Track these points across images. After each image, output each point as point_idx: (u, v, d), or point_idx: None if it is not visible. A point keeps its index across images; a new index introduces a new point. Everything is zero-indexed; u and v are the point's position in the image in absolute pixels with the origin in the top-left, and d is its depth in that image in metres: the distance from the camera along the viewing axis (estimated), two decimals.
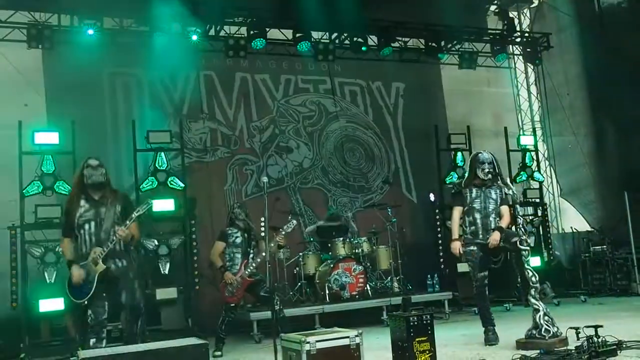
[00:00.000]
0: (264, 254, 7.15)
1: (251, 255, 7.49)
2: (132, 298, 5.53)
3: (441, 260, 10.86)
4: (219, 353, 7.25)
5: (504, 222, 6.60)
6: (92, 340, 5.40)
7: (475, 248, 6.58)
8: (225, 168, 11.26)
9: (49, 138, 8.76)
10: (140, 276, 6.02)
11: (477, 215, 6.60)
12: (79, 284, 5.42)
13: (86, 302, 5.46)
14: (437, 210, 11.16)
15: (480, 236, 6.56)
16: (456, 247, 6.66)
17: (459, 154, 11.45)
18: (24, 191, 8.51)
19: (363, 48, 11.55)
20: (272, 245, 7.24)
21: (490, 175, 6.59)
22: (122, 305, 5.56)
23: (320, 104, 12.31)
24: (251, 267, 7.35)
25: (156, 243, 9.06)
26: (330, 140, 12.24)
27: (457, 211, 6.79)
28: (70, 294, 5.52)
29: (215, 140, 11.29)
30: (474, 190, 6.67)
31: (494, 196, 6.64)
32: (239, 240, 7.50)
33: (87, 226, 5.46)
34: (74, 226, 5.49)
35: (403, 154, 12.75)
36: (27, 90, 9.66)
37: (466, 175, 6.99)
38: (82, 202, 5.51)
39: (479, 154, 6.77)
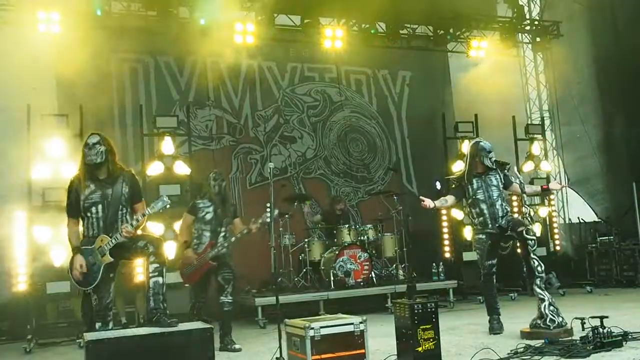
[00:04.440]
0: (239, 235, 6.63)
1: (222, 234, 6.65)
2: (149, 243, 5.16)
3: (446, 248, 10.86)
4: (239, 346, 6.47)
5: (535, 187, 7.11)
6: (98, 325, 5.23)
7: (484, 236, 6.58)
8: (230, 156, 11.29)
9: (58, 122, 8.76)
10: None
11: (483, 206, 6.57)
12: (80, 274, 5.10)
13: (90, 291, 5.24)
14: None
15: (490, 225, 6.54)
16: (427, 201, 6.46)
17: (466, 142, 11.40)
18: (32, 174, 8.53)
19: (372, 31, 11.50)
20: (245, 231, 6.62)
21: (495, 164, 6.60)
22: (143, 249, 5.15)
23: (325, 93, 12.30)
24: (218, 249, 6.55)
25: None
26: (334, 131, 12.24)
27: (449, 196, 6.74)
28: (73, 279, 5.24)
29: (220, 128, 11.32)
30: (475, 181, 6.63)
31: (494, 182, 6.62)
32: (209, 216, 6.66)
33: (93, 209, 5.15)
34: (79, 208, 5.20)
35: (405, 145, 12.76)
36: (36, 74, 9.67)
37: (465, 166, 6.79)
38: (87, 183, 5.18)
39: (481, 143, 6.72)
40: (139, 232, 5.32)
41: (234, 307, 6.73)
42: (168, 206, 5.25)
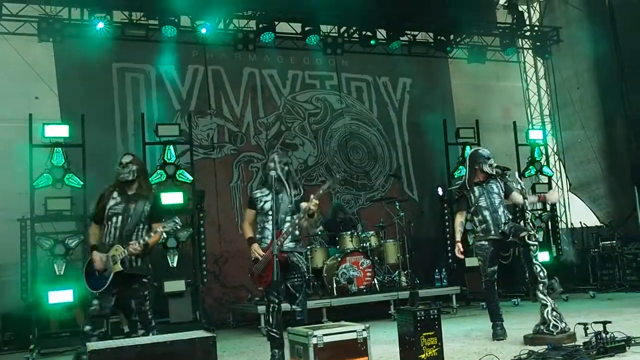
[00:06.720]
0: (302, 218, 5.61)
1: (287, 224, 5.61)
2: (140, 310, 5.58)
3: (449, 254, 10.84)
4: None
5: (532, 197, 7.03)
6: (87, 327, 5.47)
7: (486, 243, 6.59)
8: (232, 165, 11.29)
9: (59, 131, 8.75)
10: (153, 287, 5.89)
11: (486, 213, 6.59)
12: (100, 270, 5.44)
13: (97, 294, 5.48)
14: (445, 205, 11.13)
15: (492, 232, 6.56)
16: (459, 249, 6.68)
17: (468, 148, 11.39)
18: (34, 184, 8.54)
19: (372, 42, 11.53)
20: (308, 210, 5.54)
21: (497, 169, 6.61)
22: (130, 310, 5.58)
23: (326, 101, 12.31)
24: (284, 238, 5.54)
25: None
26: (335, 138, 12.25)
27: (460, 216, 6.82)
28: (86, 280, 5.57)
29: (222, 137, 11.32)
30: (476, 189, 6.67)
31: (496, 190, 6.65)
32: (268, 205, 5.63)
33: (114, 219, 5.56)
34: (103, 216, 5.60)
35: (406, 151, 12.75)
36: (38, 84, 9.72)
37: (466, 175, 6.85)
38: (115, 195, 5.63)
39: (480, 150, 6.82)
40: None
41: (306, 316, 5.83)
42: (179, 227, 5.69)
